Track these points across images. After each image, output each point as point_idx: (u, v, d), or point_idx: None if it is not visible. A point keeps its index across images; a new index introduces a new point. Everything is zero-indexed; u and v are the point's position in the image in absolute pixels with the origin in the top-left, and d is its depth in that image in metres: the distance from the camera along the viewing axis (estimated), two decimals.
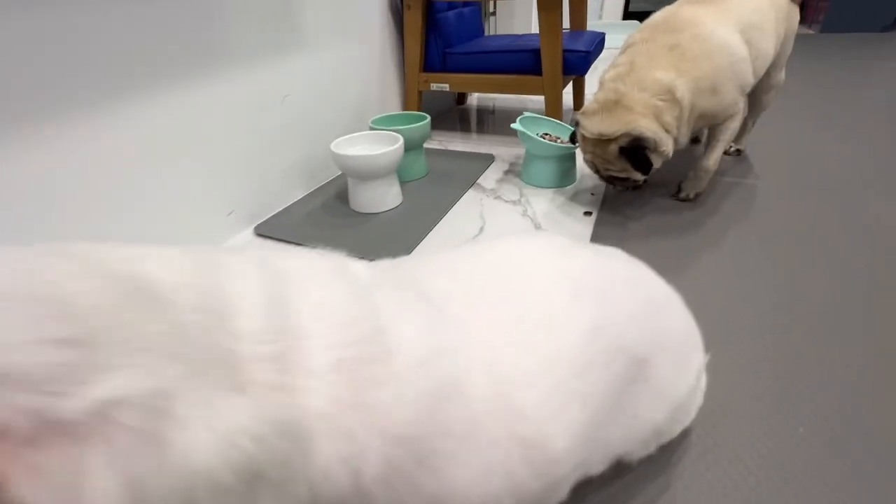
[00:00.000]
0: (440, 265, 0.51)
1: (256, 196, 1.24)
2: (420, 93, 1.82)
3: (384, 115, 1.47)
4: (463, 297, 0.44)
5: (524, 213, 1.22)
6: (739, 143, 1.49)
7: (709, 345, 0.56)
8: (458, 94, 2.36)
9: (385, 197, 1.25)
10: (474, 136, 1.86)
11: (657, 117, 1.00)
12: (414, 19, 1.65)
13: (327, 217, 1.25)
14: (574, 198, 1.29)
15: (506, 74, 1.64)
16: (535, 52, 1.55)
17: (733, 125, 1.12)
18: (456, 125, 2.02)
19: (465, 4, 1.96)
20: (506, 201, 1.30)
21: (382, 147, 1.21)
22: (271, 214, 1.27)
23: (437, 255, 0.54)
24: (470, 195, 1.35)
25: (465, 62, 1.70)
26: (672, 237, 1.08)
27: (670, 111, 1.00)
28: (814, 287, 0.91)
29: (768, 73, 1.23)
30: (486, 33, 2.40)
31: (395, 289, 0.42)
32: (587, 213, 1.20)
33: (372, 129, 1.36)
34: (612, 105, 1.02)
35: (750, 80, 1.05)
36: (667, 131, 1.01)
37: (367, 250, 1.06)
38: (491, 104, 2.35)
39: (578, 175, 1.42)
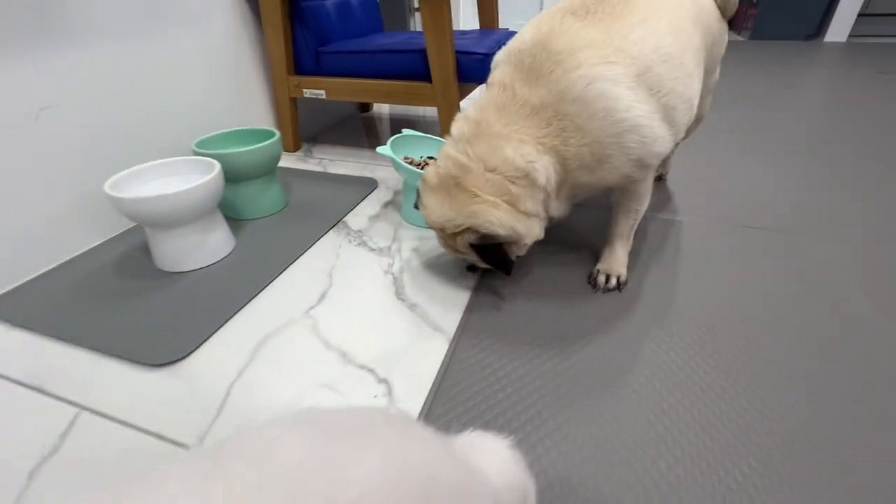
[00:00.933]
0: None
1: None
2: (293, 100, 1.48)
3: (222, 132, 1.13)
4: None
5: (388, 269, 0.92)
6: (662, 167, 1.26)
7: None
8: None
9: (198, 249, 0.91)
10: (367, 154, 1.54)
11: (513, 205, 0.72)
12: (270, 5, 1.31)
13: (116, 281, 0.89)
14: None
15: (392, 80, 1.34)
16: (426, 54, 1.26)
17: (641, 189, 0.81)
18: (349, 139, 1.69)
19: None
20: (371, 249, 0.99)
21: (189, 180, 0.86)
22: (12, 286, 0.89)
23: None
24: (328, 240, 1.03)
25: (341, 63, 1.37)
26: (582, 295, 0.81)
27: (531, 197, 0.73)
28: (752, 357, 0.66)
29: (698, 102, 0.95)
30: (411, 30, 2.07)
31: None
32: (470, 269, 0.91)
33: (195, 153, 1.01)
34: (453, 186, 0.74)
35: (656, 149, 0.71)
36: (531, 215, 0.75)
37: (148, 332, 0.73)
38: (402, 111, 2.04)
39: None
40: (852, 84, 2.27)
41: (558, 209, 0.79)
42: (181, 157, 0.95)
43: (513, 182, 0.71)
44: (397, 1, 2.85)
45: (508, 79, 0.72)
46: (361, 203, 1.19)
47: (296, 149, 1.55)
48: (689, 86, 0.73)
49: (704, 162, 1.37)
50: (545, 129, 0.69)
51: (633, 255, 0.93)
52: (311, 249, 0.99)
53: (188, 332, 0.75)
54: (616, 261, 0.87)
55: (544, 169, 0.71)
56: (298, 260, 0.95)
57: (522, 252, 0.79)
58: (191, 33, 1.19)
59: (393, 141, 1.06)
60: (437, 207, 0.76)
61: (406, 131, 1.13)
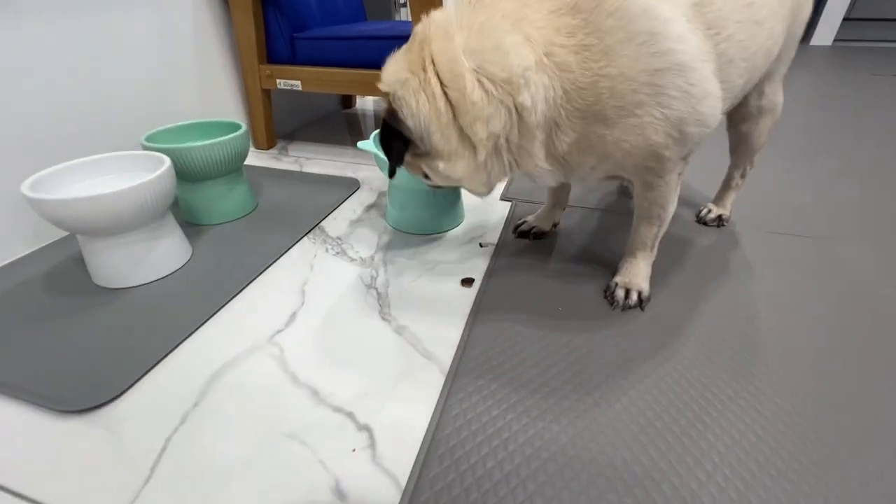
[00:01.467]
0: None
1: None
2: (266, 92, 1.33)
3: (180, 124, 0.98)
4: None
5: (371, 283, 0.78)
6: (722, 207, 0.97)
7: None
8: (344, 94, 1.90)
9: (143, 261, 0.76)
10: (349, 152, 1.40)
11: (456, 108, 0.55)
12: None
13: (39, 300, 0.73)
14: (453, 251, 0.87)
15: (375, 70, 1.20)
16: None
17: (666, 187, 0.64)
18: (330, 136, 1.55)
19: None
20: (351, 259, 0.85)
21: (132, 179, 0.72)
22: None
23: None
24: (302, 248, 0.89)
25: (319, 51, 1.24)
26: (599, 313, 0.69)
27: (491, 115, 0.54)
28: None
29: (757, 90, 0.78)
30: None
31: None
32: (466, 282, 0.79)
33: (144, 147, 0.86)
34: (416, 44, 0.57)
35: (703, 108, 0.55)
36: (471, 141, 0.57)
37: (70, 366, 0.58)
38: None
39: (466, 212, 1.01)
40: (851, 85, 2.22)
41: (537, 168, 0.59)
42: (125, 153, 0.81)
43: (482, 80, 0.53)
44: None
45: None
46: (341, 206, 1.05)
47: (269, 146, 1.41)
48: (754, 36, 0.59)
49: (714, 164, 1.28)
50: (564, 39, 0.52)
51: (658, 271, 0.81)
52: (280, 260, 0.85)
53: (122, 365, 0.61)
54: (637, 273, 0.75)
55: (535, 87, 0.53)
56: (266, 273, 0.81)
57: (438, 181, 0.64)
58: (144, 12, 1.04)
59: (376, 135, 0.93)
60: (390, 64, 0.59)
61: None
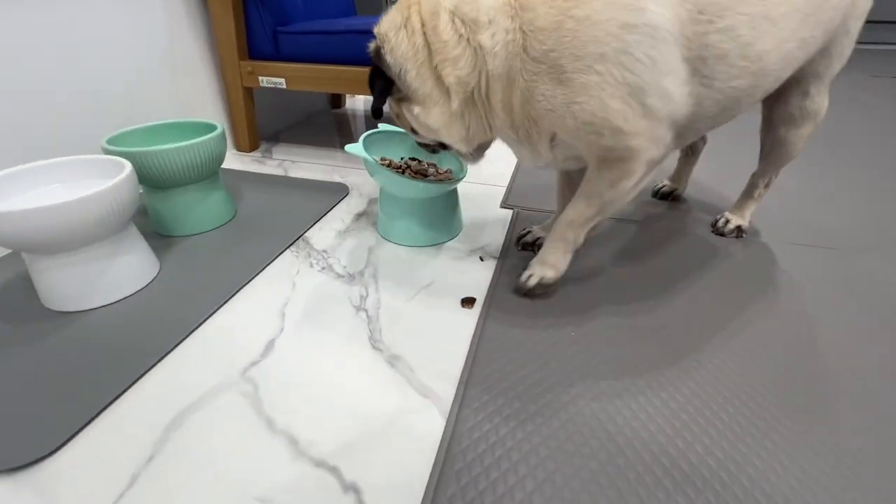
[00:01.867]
0: None
1: None
2: (248, 91, 1.24)
3: (147, 125, 0.89)
4: None
5: (360, 304, 0.70)
6: (740, 217, 0.88)
7: None
8: (332, 93, 1.81)
9: (100, 280, 0.67)
10: (337, 155, 1.31)
11: (429, 45, 0.55)
12: None
13: None
14: (452, 266, 0.79)
15: (365, 67, 1.12)
16: None
17: (621, 177, 0.58)
18: (317, 138, 1.46)
19: None
20: (338, 275, 0.77)
21: (87, 187, 0.63)
22: None
23: None
24: (283, 263, 0.80)
25: (305, 46, 1.15)
26: (622, 333, 0.62)
27: (463, 59, 0.54)
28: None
29: (801, 90, 0.70)
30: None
31: None
32: (467, 302, 0.70)
33: (105, 151, 0.77)
34: None
35: (672, 89, 0.51)
36: (443, 88, 0.57)
37: (14, 405, 0.50)
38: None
39: (464, 222, 0.93)
40: (853, 87, 2.17)
41: (499, 131, 0.59)
42: (80, 157, 0.72)
43: (455, 21, 0.52)
44: None
45: None
46: (328, 214, 0.97)
47: (252, 148, 1.32)
48: (763, 35, 0.52)
49: (728, 173, 1.21)
50: None
51: (672, 284, 0.74)
52: (259, 276, 0.76)
53: (65, 409, 0.52)
54: (550, 254, 0.69)
55: (496, 28, 0.51)
56: (242, 291, 0.72)
57: (420, 132, 0.63)
58: (110, 3, 0.95)
59: (366, 138, 0.85)
60: (388, 11, 0.60)
61: (384, 126, 0.92)
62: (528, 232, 0.85)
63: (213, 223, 0.89)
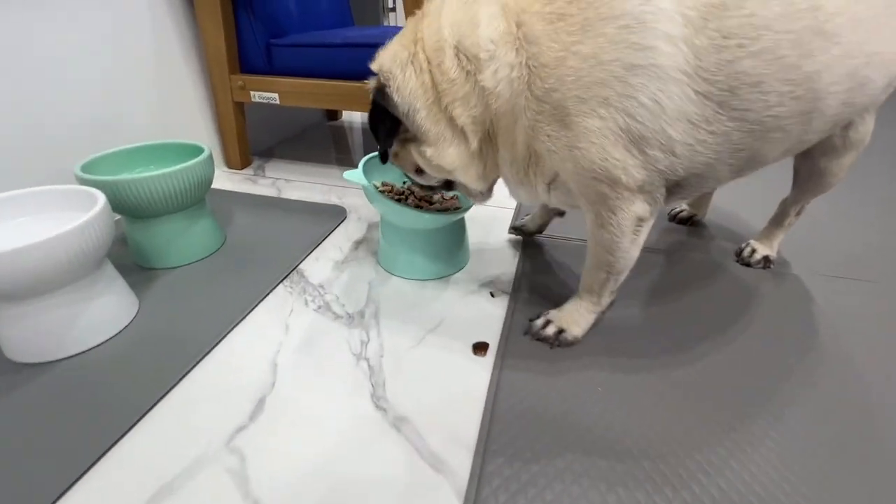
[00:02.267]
0: None
1: None
2: (239, 106, 1.18)
3: (127, 148, 0.82)
4: None
5: (361, 353, 0.63)
6: (768, 247, 0.82)
7: None
8: None
9: (70, 328, 0.60)
10: (334, 173, 1.25)
11: (436, 87, 0.51)
12: None
13: None
14: (460, 303, 0.73)
15: (361, 82, 1.05)
16: None
17: (614, 234, 0.54)
18: (313, 154, 1.40)
19: None
20: (336, 315, 0.70)
21: (57, 222, 0.56)
22: None
23: None
24: (276, 300, 0.73)
25: (299, 59, 1.08)
26: (661, 398, 0.55)
27: (475, 98, 0.50)
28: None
29: (854, 120, 0.63)
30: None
31: None
32: (479, 349, 0.64)
33: (79, 180, 0.70)
34: (414, 21, 0.55)
35: (677, 137, 0.46)
36: (457, 128, 0.53)
37: None
38: None
39: (471, 249, 0.86)
40: (890, 99, 2.13)
41: (508, 169, 0.55)
42: (47, 188, 0.64)
43: (460, 57, 0.49)
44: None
45: None
46: (325, 241, 0.90)
47: (243, 165, 1.25)
48: (811, 53, 0.44)
49: (752, 197, 1.15)
50: (541, 5, 0.46)
51: (703, 325, 0.68)
52: (249, 317, 0.69)
53: (17, 492, 0.45)
54: (574, 314, 0.65)
55: (499, 64, 0.47)
56: (230, 336, 0.65)
57: (431, 173, 0.59)
58: (89, 12, 0.88)
59: (366, 162, 0.78)
60: (387, 45, 0.56)
61: None
62: (522, 224, 0.90)
63: (200, 254, 0.82)
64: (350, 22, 1.50)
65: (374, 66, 0.56)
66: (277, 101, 1.11)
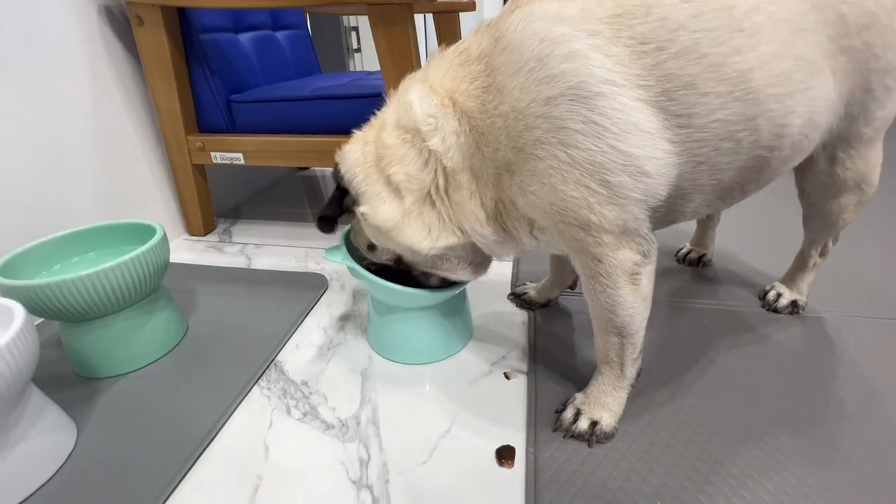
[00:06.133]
0: None
1: None
2: (200, 168, 1.06)
3: (60, 235, 0.69)
4: None
5: (360, 480, 0.51)
6: (796, 290, 0.76)
7: None
8: None
9: None
10: (310, 231, 1.14)
11: (380, 160, 0.54)
12: (154, 44, 0.91)
13: None
14: (471, 391, 0.62)
15: (331, 136, 0.96)
16: (378, 99, 0.91)
17: (610, 289, 0.49)
18: (284, 211, 1.28)
19: (279, 26, 1.28)
20: (326, 425, 0.57)
21: None
22: None
23: None
24: (249, 408, 0.60)
25: (263, 115, 0.99)
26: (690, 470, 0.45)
27: (411, 157, 0.52)
28: None
29: (827, 153, 0.59)
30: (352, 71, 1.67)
31: None
32: (505, 459, 0.53)
33: None
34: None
35: (638, 152, 0.43)
36: (396, 191, 0.54)
37: None
38: None
39: (473, 328, 0.76)
40: None
41: (478, 231, 0.53)
42: None
43: (399, 131, 0.53)
44: (333, 40, 2.54)
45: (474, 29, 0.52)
46: (305, 321, 0.78)
47: (207, 230, 1.13)
48: (737, 50, 0.43)
49: (766, 233, 1.10)
50: (467, 84, 0.49)
51: (742, 396, 0.59)
52: (217, 440, 0.56)
53: None
54: (601, 395, 0.56)
55: (444, 132, 0.50)
56: (193, 472, 0.52)
57: (374, 239, 0.59)
58: (12, 79, 0.76)
59: (346, 234, 0.68)
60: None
61: None
62: (525, 293, 0.81)
63: (156, 353, 0.69)
64: (317, 69, 1.42)
65: (336, 157, 0.60)
66: (242, 162, 1.00)
